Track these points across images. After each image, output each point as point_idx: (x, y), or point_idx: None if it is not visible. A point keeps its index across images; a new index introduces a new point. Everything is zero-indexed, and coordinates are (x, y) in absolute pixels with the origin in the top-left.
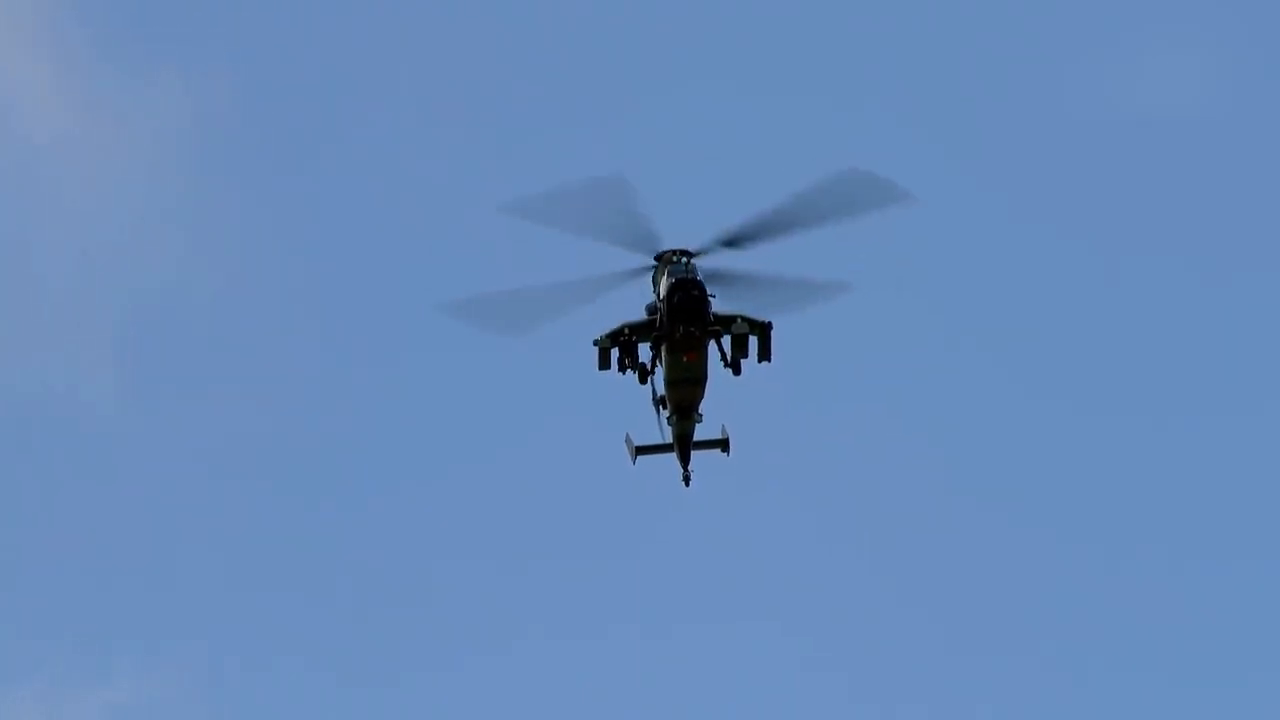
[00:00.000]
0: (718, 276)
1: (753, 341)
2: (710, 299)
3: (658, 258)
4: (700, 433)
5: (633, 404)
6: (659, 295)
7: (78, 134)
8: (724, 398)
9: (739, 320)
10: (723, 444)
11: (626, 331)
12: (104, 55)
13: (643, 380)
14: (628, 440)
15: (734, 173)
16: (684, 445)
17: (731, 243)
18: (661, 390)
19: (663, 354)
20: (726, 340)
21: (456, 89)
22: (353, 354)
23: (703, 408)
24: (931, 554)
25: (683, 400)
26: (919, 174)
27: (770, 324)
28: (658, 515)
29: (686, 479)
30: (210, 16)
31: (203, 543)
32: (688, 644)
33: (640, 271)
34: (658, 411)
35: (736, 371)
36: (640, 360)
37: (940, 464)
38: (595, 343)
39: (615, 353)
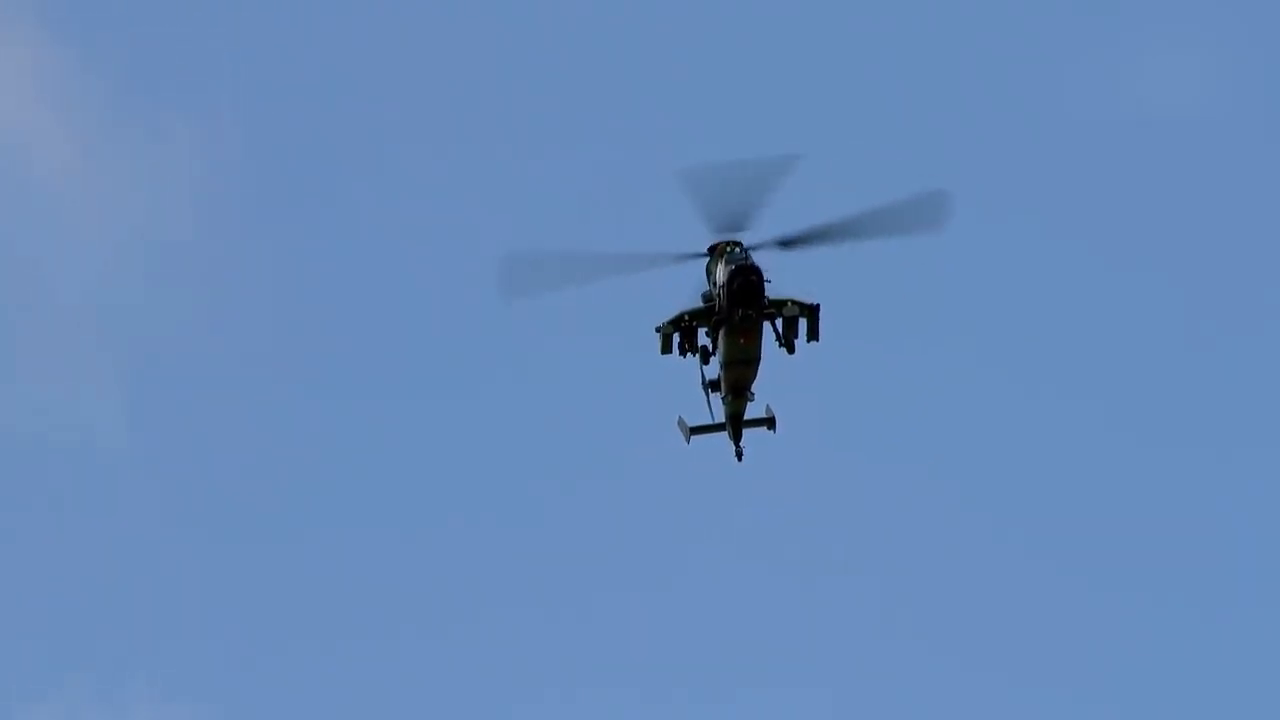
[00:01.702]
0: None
1: (802, 323)
2: (766, 283)
3: (711, 249)
4: (749, 411)
5: (684, 386)
6: (715, 283)
7: (88, 182)
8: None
9: (790, 303)
10: (769, 422)
11: (686, 318)
12: (114, 105)
13: (705, 361)
14: (680, 422)
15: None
16: (737, 423)
17: (787, 244)
18: (713, 374)
19: (720, 337)
20: (780, 323)
21: (466, 126)
22: (362, 384)
23: (751, 388)
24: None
25: (738, 380)
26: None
27: (818, 306)
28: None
29: (739, 454)
30: (220, 65)
31: (215, 571)
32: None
33: (690, 259)
34: (707, 394)
35: (790, 350)
36: (700, 344)
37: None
38: (658, 330)
39: (676, 338)
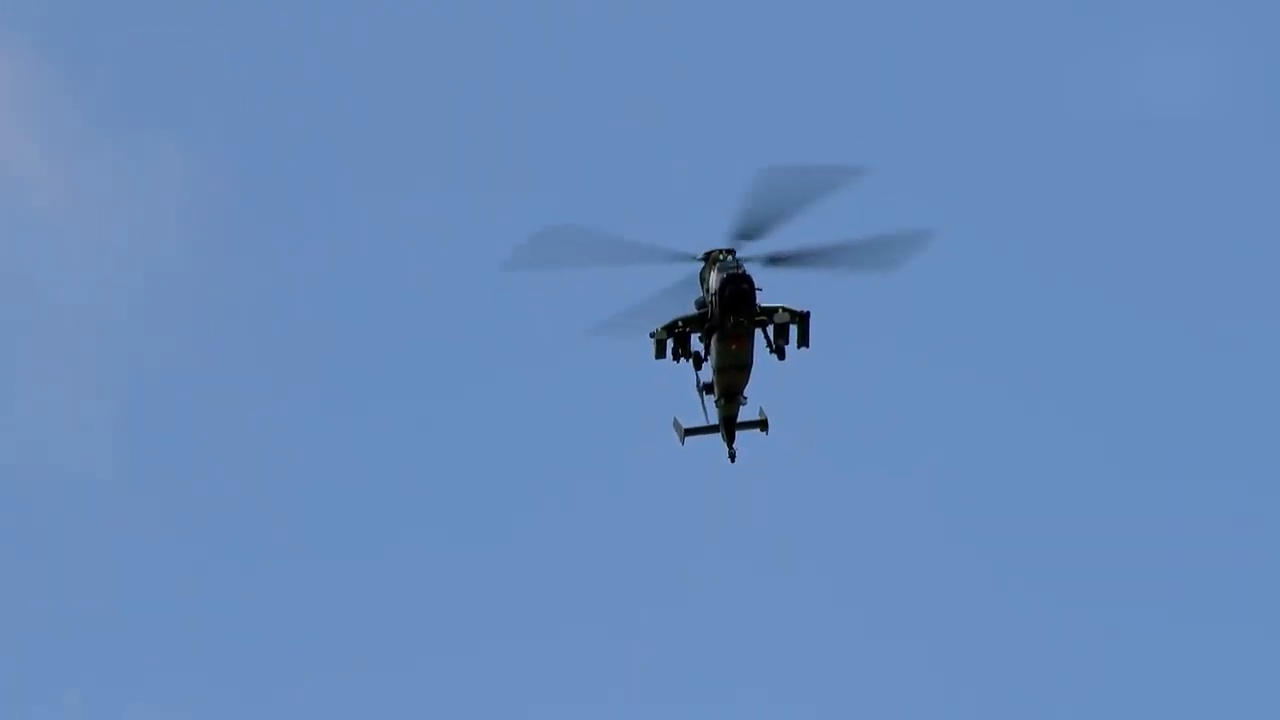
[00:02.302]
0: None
1: (792, 330)
2: (757, 291)
3: (704, 256)
4: (742, 414)
5: (681, 389)
6: (708, 290)
7: (74, 201)
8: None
9: (780, 310)
10: (762, 424)
11: (680, 324)
12: (99, 124)
13: (698, 367)
14: (676, 424)
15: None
16: (730, 426)
17: (775, 261)
18: (708, 377)
19: (713, 343)
20: (771, 330)
21: (456, 140)
22: (354, 397)
23: (745, 391)
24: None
25: (731, 385)
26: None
27: (808, 313)
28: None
29: (732, 456)
30: (205, 84)
31: (209, 586)
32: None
33: (686, 262)
34: (702, 397)
35: (781, 356)
36: (694, 349)
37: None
38: (651, 335)
39: (670, 343)
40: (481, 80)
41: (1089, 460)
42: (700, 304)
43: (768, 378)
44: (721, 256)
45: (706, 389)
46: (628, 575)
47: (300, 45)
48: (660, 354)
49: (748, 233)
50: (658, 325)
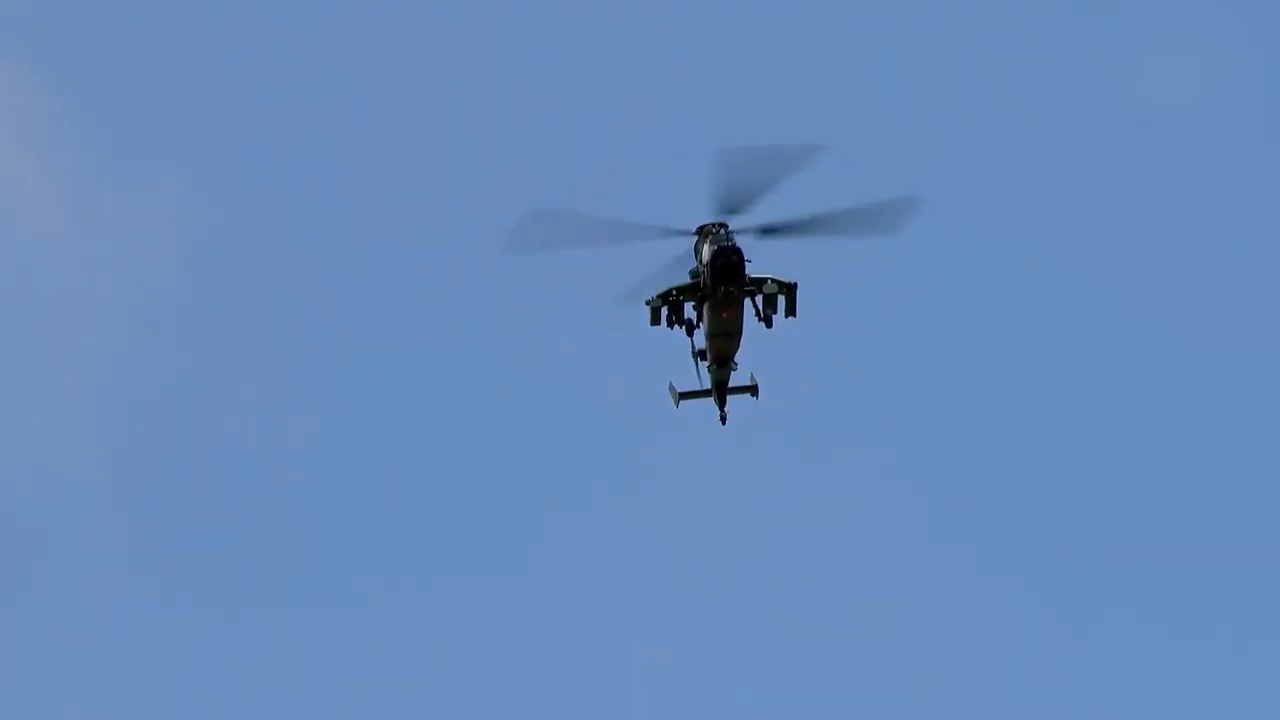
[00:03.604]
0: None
1: (780, 300)
2: (747, 263)
3: (699, 230)
4: (733, 380)
5: (677, 355)
6: (701, 261)
7: (72, 227)
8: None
9: (769, 281)
10: (752, 389)
11: (674, 293)
12: (99, 151)
13: (690, 333)
14: (671, 388)
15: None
16: (721, 390)
17: (767, 232)
18: (701, 344)
19: (705, 311)
20: (760, 300)
21: (451, 169)
22: (346, 424)
23: (736, 358)
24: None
25: (721, 351)
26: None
27: (796, 284)
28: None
29: (723, 419)
30: (205, 111)
31: (195, 608)
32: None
33: (683, 241)
34: (696, 363)
35: (769, 325)
36: (686, 317)
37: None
38: (647, 303)
39: (664, 311)
40: (478, 83)
41: (1088, 461)
42: (694, 274)
43: (757, 345)
44: (714, 230)
45: (701, 355)
46: (626, 571)
47: (302, 70)
48: (655, 321)
49: (731, 207)
50: (653, 294)
